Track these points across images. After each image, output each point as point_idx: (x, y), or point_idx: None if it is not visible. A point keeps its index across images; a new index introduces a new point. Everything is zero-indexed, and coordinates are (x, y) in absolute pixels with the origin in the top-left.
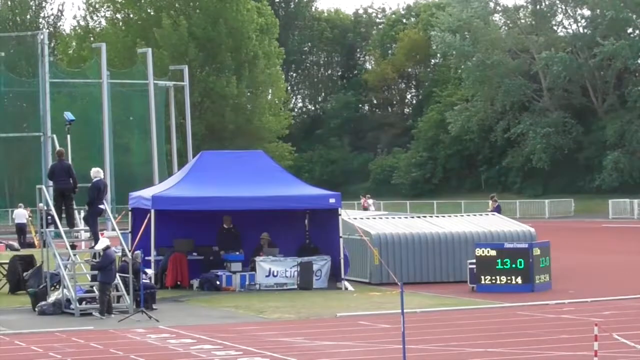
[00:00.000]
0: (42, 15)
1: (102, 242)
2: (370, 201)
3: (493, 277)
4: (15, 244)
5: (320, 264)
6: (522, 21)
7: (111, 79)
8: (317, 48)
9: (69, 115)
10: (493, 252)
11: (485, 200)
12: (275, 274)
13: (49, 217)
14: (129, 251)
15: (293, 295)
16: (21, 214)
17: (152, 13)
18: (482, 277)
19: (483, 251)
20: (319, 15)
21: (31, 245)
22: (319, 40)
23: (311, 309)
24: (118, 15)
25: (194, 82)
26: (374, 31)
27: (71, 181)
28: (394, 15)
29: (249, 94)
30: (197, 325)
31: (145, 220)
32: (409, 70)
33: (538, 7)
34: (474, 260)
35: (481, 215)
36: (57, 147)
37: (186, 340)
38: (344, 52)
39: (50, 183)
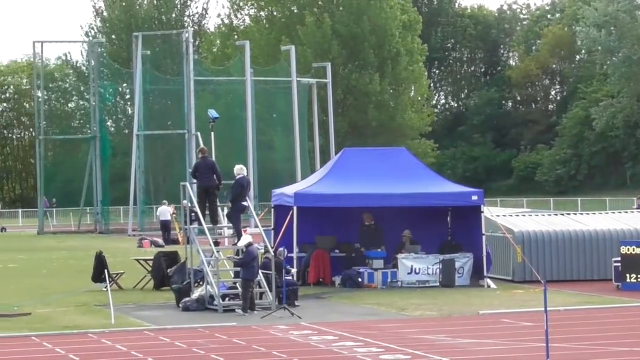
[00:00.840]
0: (187, 13)
1: (245, 239)
2: None
3: (639, 275)
4: (160, 241)
5: (463, 262)
6: None
7: (255, 77)
8: (460, 45)
9: (213, 112)
10: (639, 250)
11: (631, 198)
12: (417, 271)
13: (193, 214)
14: (272, 248)
15: (435, 293)
16: (165, 211)
17: (295, 11)
18: (628, 275)
19: (628, 249)
20: (462, 11)
21: (175, 241)
22: (462, 36)
23: (453, 307)
24: (262, 13)
25: (336, 79)
26: (518, 27)
27: (215, 178)
28: (538, 11)
29: (391, 91)
30: (339, 322)
31: (288, 217)
32: (553, 66)
33: None
34: (619, 258)
35: (626, 212)
36: (201, 145)
37: (328, 337)
38: (487, 48)
39: (194, 180)
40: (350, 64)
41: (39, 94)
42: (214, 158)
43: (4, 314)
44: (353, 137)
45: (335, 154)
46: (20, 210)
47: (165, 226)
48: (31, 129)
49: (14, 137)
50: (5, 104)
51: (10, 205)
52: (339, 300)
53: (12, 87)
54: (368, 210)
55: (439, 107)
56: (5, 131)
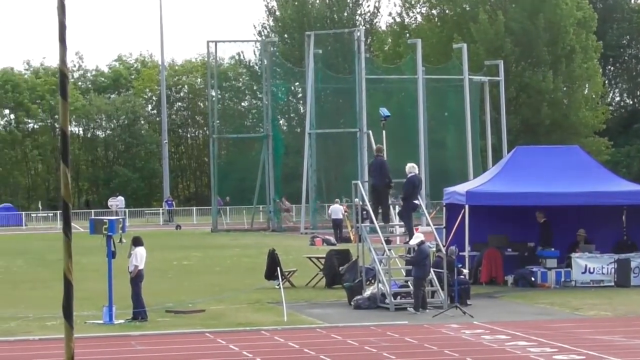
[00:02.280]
0: (358, 12)
1: (417, 237)
2: None
3: None
4: (332, 239)
5: (638, 261)
6: None
7: (426, 75)
8: (636, 41)
9: (384, 111)
10: None
11: None
12: (591, 270)
13: (365, 212)
14: (443, 246)
15: (610, 293)
16: (337, 210)
17: (467, 8)
18: None
19: None
20: (638, 7)
21: (347, 239)
22: (638, 33)
23: (629, 307)
24: (433, 11)
25: (509, 76)
26: None
27: (384, 177)
28: None
29: (565, 88)
30: (512, 322)
31: (460, 216)
32: None
33: None
34: None
35: None
36: (373, 143)
37: (500, 337)
38: None
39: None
40: (523, 61)
41: (213, 93)
42: (385, 156)
43: (178, 310)
44: (525, 135)
45: (508, 152)
46: (194, 208)
47: (337, 224)
48: (205, 128)
49: (189, 135)
50: (180, 103)
51: (184, 203)
52: (512, 299)
53: (186, 86)
54: (540, 209)
55: (613, 104)
56: (180, 130)
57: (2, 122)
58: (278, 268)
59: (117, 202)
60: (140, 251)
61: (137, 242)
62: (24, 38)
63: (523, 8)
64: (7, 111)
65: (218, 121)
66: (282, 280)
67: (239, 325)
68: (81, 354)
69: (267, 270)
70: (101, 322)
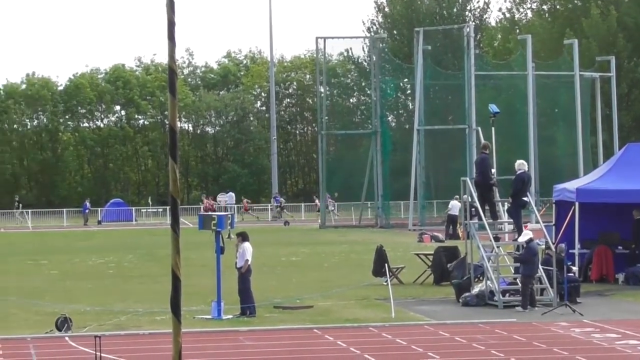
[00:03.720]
0: (468, 8)
1: (525, 235)
2: None
3: None
4: (440, 235)
5: None
6: None
7: (536, 71)
8: None
9: (493, 107)
10: None
11: None
12: None
13: (473, 209)
14: (553, 244)
15: None
16: (455, 206)
17: (579, 4)
18: None
19: None
20: None
21: (456, 236)
22: None
23: None
24: (544, 7)
25: (621, 72)
26: None
27: (489, 174)
28: None
29: None
30: (622, 320)
31: (570, 213)
32: None
33: None
34: None
35: None
36: (482, 140)
37: (611, 335)
38: None
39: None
40: (636, 57)
41: (322, 90)
42: (494, 153)
43: (287, 306)
44: (637, 132)
45: (619, 149)
46: (302, 204)
47: (453, 220)
48: (314, 124)
49: (297, 132)
50: (288, 100)
51: (293, 199)
52: (623, 297)
53: (295, 82)
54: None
55: None
56: (288, 126)
57: (113, 119)
58: (386, 264)
59: (226, 197)
60: (247, 246)
61: (243, 237)
62: (135, 35)
63: (636, 3)
64: (118, 107)
65: (326, 117)
66: (390, 276)
67: (346, 322)
68: (189, 349)
69: (375, 267)
70: (209, 317)
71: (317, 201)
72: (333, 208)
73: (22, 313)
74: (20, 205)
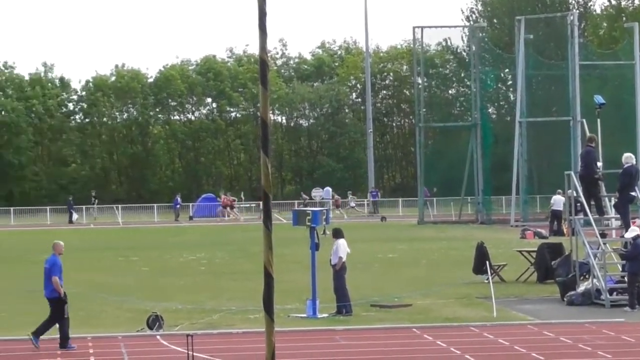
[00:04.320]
0: None
1: (632, 231)
2: None
3: None
4: (544, 232)
5: None
6: None
7: None
8: None
9: (599, 98)
10: None
11: None
12: None
13: (578, 205)
14: None
15: None
16: (559, 201)
17: None
18: None
19: None
20: None
21: (560, 233)
22: None
23: None
24: None
25: None
26: None
27: (595, 168)
28: None
29: None
30: None
31: None
32: None
33: None
34: None
35: None
36: (587, 132)
37: None
38: None
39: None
40: None
41: (419, 81)
42: (600, 146)
43: (384, 304)
44: None
45: None
46: (400, 199)
47: (557, 216)
48: (411, 117)
49: (394, 124)
50: (385, 91)
51: (390, 194)
52: None
53: (391, 73)
54: None
55: None
56: (385, 119)
57: (204, 111)
58: (487, 262)
59: (321, 192)
60: (342, 243)
61: (338, 234)
62: (227, 25)
63: None
64: (209, 100)
65: (424, 109)
66: (492, 274)
67: (446, 321)
68: (283, 348)
69: (476, 264)
70: (304, 315)
71: (349, 197)
72: (354, 205)
73: (113, 310)
74: (96, 200)
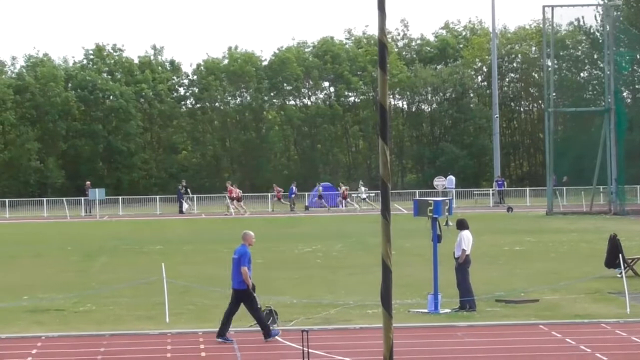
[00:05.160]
0: None
1: None
2: None
3: None
4: None
5: None
6: None
7: None
8: None
9: None
10: None
11: None
12: None
13: None
14: None
15: None
16: None
17: None
18: None
19: None
20: None
21: None
22: None
23: None
24: None
25: None
26: None
27: None
28: None
29: None
30: None
31: None
32: None
33: None
34: None
35: None
36: None
37: None
38: None
39: None
40: None
41: (549, 63)
42: None
43: (510, 300)
44: None
45: None
46: (527, 188)
47: None
48: (540, 101)
49: (522, 109)
50: (512, 74)
51: (516, 183)
52: None
53: (519, 55)
54: None
55: None
56: (512, 103)
57: (321, 96)
58: (620, 255)
59: (444, 181)
60: (466, 235)
61: (462, 225)
62: (345, 6)
63: None
64: (326, 84)
65: (554, 94)
66: (625, 268)
67: (576, 317)
68: (402, 345)
69: (608, 258)
70: (425, 311)
71: (361, 187)
72: (365, 196)
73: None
74: (189, 190)
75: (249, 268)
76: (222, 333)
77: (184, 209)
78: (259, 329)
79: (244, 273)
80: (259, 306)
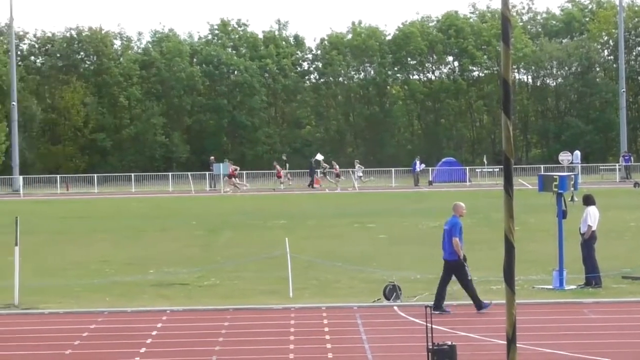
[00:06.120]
0: None
1: None
2: None
3: None
4: None
5: None
6: None
7: None
8: None
9: None
10: None
11: None
12: None
13: None
14: None
15: None
16: None
17: None
18: None
19: None
20: None
21: None
22: None
23: None
24: None
25: None
26: None
27: None
28: None
29: None
30: None
31: None
32: None
33: None
34: None
35: None
36: None
37: None
38: None
39: None
40: None
41: None
42: None
43: (637, 276)
44: None
45: None
46: None
47: None
48: None
49: None
50: (639, 48)
51: None
52: None
53: None
54: None
55: None
56: (639, 77)
57: (445, 70)
58: None
59: (569, 156)
60: (592, 210)
61: (588, 200)
62: None
63: None
64: (450, 58)
65: None
66: None
67: None
68: (526, 322)
69: None
70: (550, 287)
71: (357, 166)
72: (361, 174)
73: (348, 280)
74: (287, 164)
75: (460, 239)
76: (437, 305)
77: (314, 184)
78: (384, 303)
79: (455, 244)
80: (469, 278)
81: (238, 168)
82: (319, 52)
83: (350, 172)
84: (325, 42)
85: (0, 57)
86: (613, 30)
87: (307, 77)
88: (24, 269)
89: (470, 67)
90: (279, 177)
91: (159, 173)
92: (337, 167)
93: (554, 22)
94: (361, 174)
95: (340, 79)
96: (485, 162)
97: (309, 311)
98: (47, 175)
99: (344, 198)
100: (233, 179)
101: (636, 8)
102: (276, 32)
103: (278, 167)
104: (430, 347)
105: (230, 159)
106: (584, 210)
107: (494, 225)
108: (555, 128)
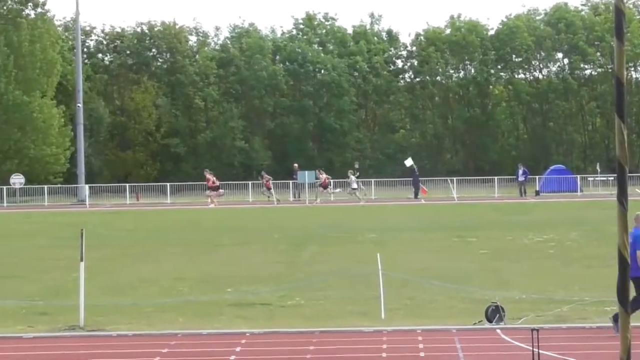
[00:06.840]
0: None
1: None
2: None
3: None
4: None
5: None
6: None
7: None
8: None
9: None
10: None
11: None
12: None
13: None
14: None
15: None
16: None
17: None
18: None
19: None
20: None
21: None
22: None
23: None
24: None
25: None
26: None
27: None
28: None
29: None
30: None
31: None
32: None
33: None
34: None
35: None
36: None
37: None
38: None
39: None
40: None
41: None
42: None
43: None
44: None
45: None
46: None
47: None
48: None
49: None
50: None
51: None
52: None
53: None
54: None
55: None
56: None
57: (554, 69)
58: None
59: None
60: None
61: None
62: None
63: None
64: (560, 55)
65: None
66: None
67: None
68: None
69: None
70: None
71: (350, 176)
72: (355, 186)
73: (447, 300)
74: (358, 173)
75: None
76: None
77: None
78: (486, 326)
79: (639, 257)
80: None
81: (330, 178)
82: (414, 48)
83: (346, 183)
84: (421, 37)
85: (65, 54)
86: None
87: (401, 76)
88: (89, 286)
89: (582, 65)
90: (268, 187)
91: (238, 182)
92: (326, 176)
93: None
94: (355, 186)
95: (438, 78)
96: (599, 170)
97: (402, 334)
98: (116, 184)
99: (441, 209)
100: (210, 191)
101: None
102: (367, 27)
103: (267, 176)
104: None
105: (318, 165)
106: None
107: (609, 240)
108: None
